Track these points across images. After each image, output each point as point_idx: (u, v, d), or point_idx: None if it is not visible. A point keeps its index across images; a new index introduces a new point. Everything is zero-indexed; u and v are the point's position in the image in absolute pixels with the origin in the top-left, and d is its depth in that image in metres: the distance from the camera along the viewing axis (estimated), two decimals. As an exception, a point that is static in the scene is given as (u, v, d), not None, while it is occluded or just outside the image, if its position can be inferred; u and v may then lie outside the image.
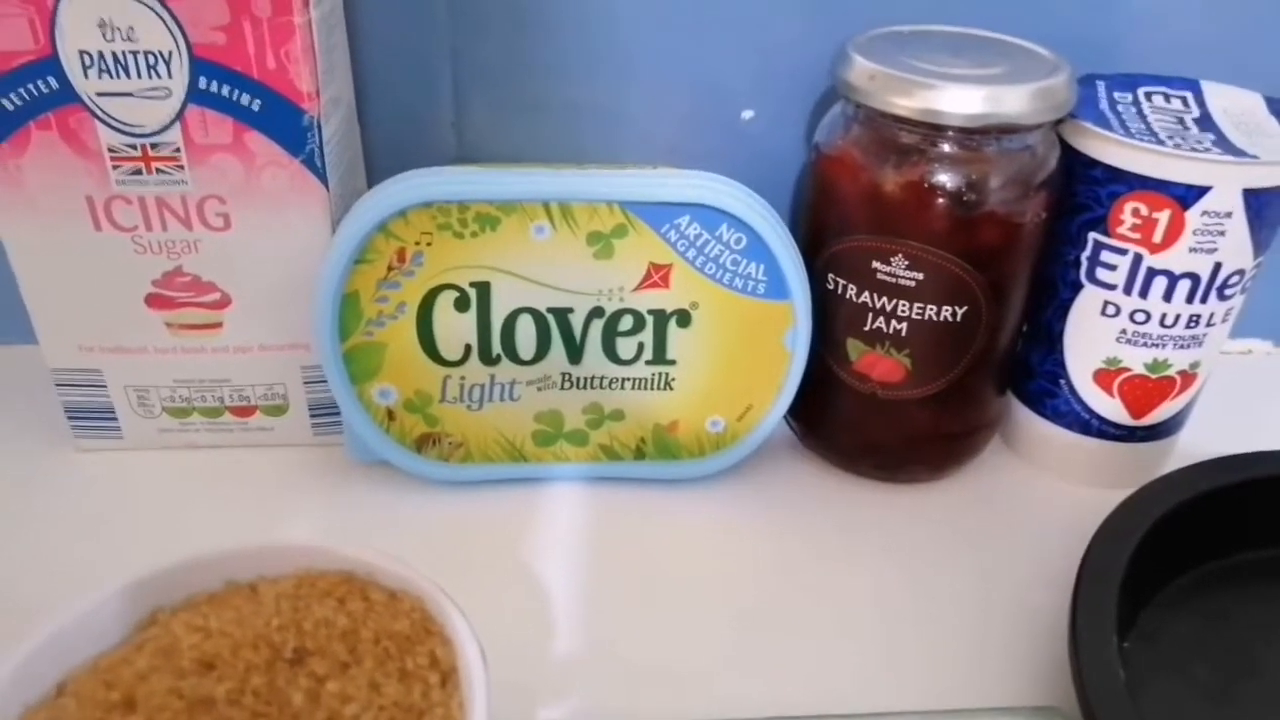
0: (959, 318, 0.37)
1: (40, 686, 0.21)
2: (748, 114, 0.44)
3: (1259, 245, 0.36)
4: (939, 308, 0.37)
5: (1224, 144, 0.35)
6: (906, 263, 0.36)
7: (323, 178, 0.36)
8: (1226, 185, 0.34)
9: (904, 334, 0.38)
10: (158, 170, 0.35)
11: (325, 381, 0.38)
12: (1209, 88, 0.40)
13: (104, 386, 0.40)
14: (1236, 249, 0.36)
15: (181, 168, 0.35)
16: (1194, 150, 0.35)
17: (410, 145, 0.43)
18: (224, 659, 0.22)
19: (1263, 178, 0.35)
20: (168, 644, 0.22)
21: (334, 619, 0.22)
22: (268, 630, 0.22)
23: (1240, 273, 0.37)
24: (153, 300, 0.38)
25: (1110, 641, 0.30)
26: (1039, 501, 0.41)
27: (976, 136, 0.35)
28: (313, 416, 0.42)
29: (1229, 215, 0.35)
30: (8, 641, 0.22)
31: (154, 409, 0.41)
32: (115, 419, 0.41)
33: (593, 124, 0.44)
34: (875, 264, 0.37)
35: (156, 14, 0.32)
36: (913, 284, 0.37)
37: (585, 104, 0.43)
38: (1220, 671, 0.33)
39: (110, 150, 0.35)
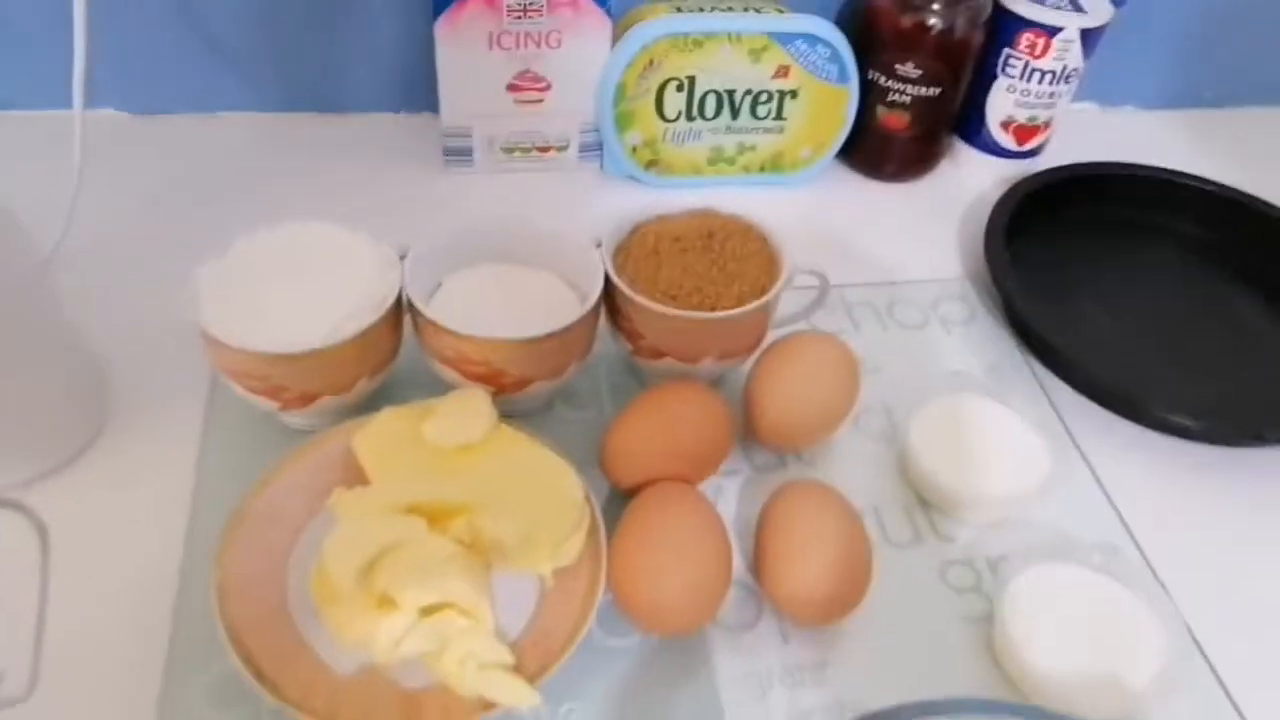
0: (936, 94, 0.72)
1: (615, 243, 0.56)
2: (819, -28, 0.75)
3: (1086, 55, 0.71)
4: (926, 88, 0.71)
5: (1075, 5, 0.69)
6: (912, 64, 0.70)
7: (611, 19, 0.67)
8: (1072, 26, 0.69)
9: (907, 103, 0.72)
10: (529, 17, 0.66)
11: (595, 132, 0.72)
12: (1072, -38, 0.73)
13: (470, 136, 0.72)
14: (1076, 58, 0.71)
15: (542, 15, 0.66)
16: (1058, 8, 0.69)
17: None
18: (682, 236, 0.56)
19: (1089, 21, 0.69)
20: (655, 230, 0.56)
21: (719, 225, 0.57)
22: (695, 227, 0.57)
23: (1077, 70, 0.72)
24: (510, 88, 0.69)
25: (1002, 241, 0.67)
26: (972, 186, 0.77)
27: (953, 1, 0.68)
28: (581, 153, 0.74)
29: (1073, 41, 0.70)
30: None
31: (495, 149, 0.73)
32: (472, 155, 0.73)
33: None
34: (895, 65, 0.71)
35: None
36: (915, 75, 0.71)
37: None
38: (1062, 270, 0.71)
39: (507, 6, 0.65)
